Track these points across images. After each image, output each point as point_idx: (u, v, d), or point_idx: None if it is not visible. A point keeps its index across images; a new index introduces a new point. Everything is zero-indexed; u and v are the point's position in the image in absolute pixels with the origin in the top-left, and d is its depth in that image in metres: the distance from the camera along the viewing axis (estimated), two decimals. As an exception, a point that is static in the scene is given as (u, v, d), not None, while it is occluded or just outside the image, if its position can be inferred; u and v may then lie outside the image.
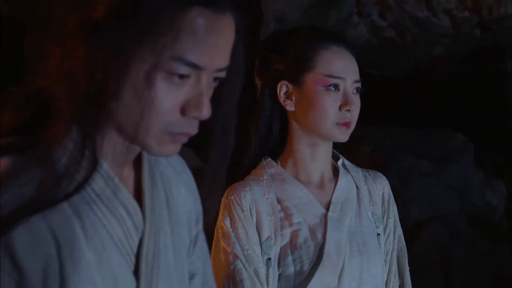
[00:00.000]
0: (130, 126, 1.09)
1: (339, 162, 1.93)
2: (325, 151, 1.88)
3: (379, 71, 5.03)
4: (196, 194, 1.34)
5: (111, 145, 1.13)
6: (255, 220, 1.80)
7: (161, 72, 1.06)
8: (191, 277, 1.32)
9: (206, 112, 1.09)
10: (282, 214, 1.82)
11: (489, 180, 5.15)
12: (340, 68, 1.81)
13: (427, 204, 4.72)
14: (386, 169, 4.61)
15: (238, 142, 1.45)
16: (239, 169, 1.89)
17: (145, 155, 1.20)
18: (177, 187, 1.29)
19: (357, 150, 4.38)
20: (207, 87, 1.10)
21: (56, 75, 1.09)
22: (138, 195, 1.18)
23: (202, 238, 1.35)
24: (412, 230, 4.35)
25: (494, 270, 4.72)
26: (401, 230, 1.95)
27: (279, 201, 1.83)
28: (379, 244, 1.89)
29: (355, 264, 1.81)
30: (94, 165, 1.09)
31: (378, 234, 1.89)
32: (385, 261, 1.90)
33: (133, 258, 1.15)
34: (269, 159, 1.88)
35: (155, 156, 1.22)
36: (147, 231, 1.17)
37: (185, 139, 1.12)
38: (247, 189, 1.81)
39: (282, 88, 1.84)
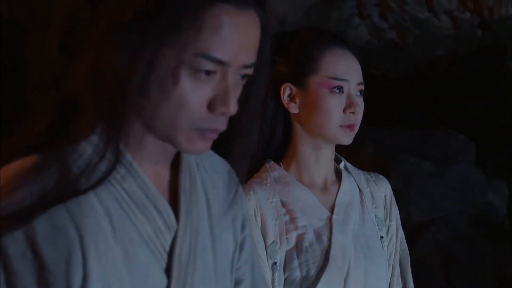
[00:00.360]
0: (159, 123, 1.11)
1: (341, 165, 1.93)
2: (328, 153, 1.87)
3: (380, 72, 5.02)
4: (242, 201, 1.36)
5: (143, 144, 1.15)
6: (259, 224, 1.79)
7: (187, 69, 1.08)
8: (238, 282, 1.33)
9: (232, 108, 1.11)
10: (287, 217, 1.81)
11: (490, 180, 5.15)
12: (344, 70, 1.80)
13: (429, 205, 4.72)
14: (388, 170, 4.61)
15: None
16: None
17: (183, 159, 1.22)
18: (222, 193, 1.30)
19: (358, 152, 4.37)
20: (233, 83, 1.12)
21: (84, 75, 1.12)
22: (175, 197, 1.20)
23: (249, 243, 1.35)
24: (414, 231, 4.35)
25: (496, 271, 4.72)
26: (403, 233, 1.95)
27: (283, 204, 1.82)
28: (383, 246, 1.88)
29: (360, 267, 1.81)
30: (117, 158, 1.11)
31: (381, 237, 1.89)
32: (388, 264, 1.90)
33: (165, 257, 1.16)
34: (272, 162, 1.87)
35: (201, 164, 1.27)
36: (181, 231, 1.18)
37: (214, 136, 1.14)
38: (251, 193, 1.80)
39: (286, 91, 1.83)
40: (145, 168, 1.17)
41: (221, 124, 1.13)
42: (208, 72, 1.09)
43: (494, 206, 5.09)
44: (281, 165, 1.87)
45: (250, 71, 1.13)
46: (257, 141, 1.40)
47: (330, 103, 1.79)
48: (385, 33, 5.14)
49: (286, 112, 1.85)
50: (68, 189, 1.08)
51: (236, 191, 1.33)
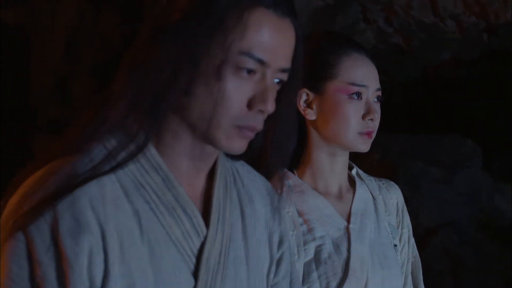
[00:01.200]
0: (201, 121, 1.17)
1: (354, 172, 1.91)
2: (343, 161, 1.84)
3: (386, 77, 5.01)
4: (280, 217, 1.40)
5: (176, 147, 1.21)
6: None
7: (230, 67, 1.15)
8: None
9: (270, 106, 1.18)
10: (304, 227, 1.76)
11: (498, 185, 5.13)
12: (362, 76, 1.77)
13: (437, 211, 4.71)
14: (395, 175, 4.60)
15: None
16: None
17: (218, 171, 1.28)
18: (258, 208, 1.34)
19: (365, 157, 4.34)
20: (271, 86, 1.19)
21: (125, 69, 1.19)
22: (208, 205, 1.25)
23: (288, 259, 1.39)
24: (421, 236, 4.34)
25: (504, 275, 4.71)
26: (414, 240, 1.93)
27: (299, 214, 1.77)
28: (397, 255, 1.86)
29: (377, 278, 1.78)
30: (140, 149, 1.18)
31: (395, 245, 1.86)
32: (400, 272, 1.87)
33: (193, 259, 1.21)
34: (286, 169, 1.83)
35: (238, 178, 1.32)
36: (210, 237, 1.22)
37: (251, 135, 1.20)
38: None
39: (302, 96, 1.80)
40: (178, 175, 1.22)
41: (259, 122, 1.19)
42: (249, 71, 1.17)
43: (501, 210, 5.07)
44: (295, 173, 1.84)
45: (285, 76, 1.21)
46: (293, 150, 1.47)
47: (349, 110, 1.76)
48: (390, 38, 5.14)
49: (301, 118, 1.81)
50: (88, 173, 1.14)
51: (275, 209, 1.38)
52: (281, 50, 1.19)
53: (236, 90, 1.16)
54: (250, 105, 1.17)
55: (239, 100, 1.17)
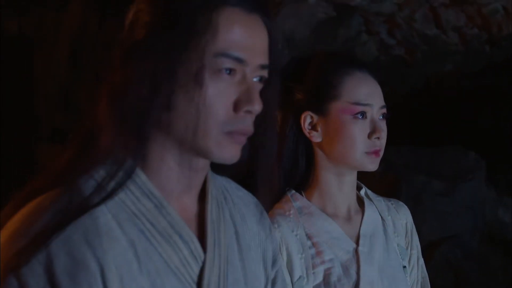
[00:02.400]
0: (188, 133, 1.14)
1: (362, 192, 1.88)
2: (351, 180, 1.82)
3: (389, 88, 4.98)
4: (273, 235, 1.38)
5: (163, 168, 1.18)
6: (285, 259, 1.71)
7: (209, 71, 1.13)
8: None
9: (257, 105, 1.16)
10: (312, 250, 1.73)
11: (501, 198, 5.11)
12: (366, 95, 1.74)
13: (439, 224, 4.70)
14: (397, 189, 4.59)
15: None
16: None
17: (209, 191, 1.25)
18: (250, 226, 1.32)
19: (368, 171, 4.32)
20: (253, 84, 1.17)
21: (104, 97, 1.16)
22: (202, 228, 1.22)
23: (282, 278, 1.37)
24: (424, 250, 4.28)
25: (510, 287, 4.67)
26: (423, 260, 1.91)
27: (308, 236, 1.74)
28: (406, 276, 1.83)
29: None
30: (128, 175, 1.14)
31: (404, 267, 1.84)
32: None
33: (194, 287, 1.18)
34: (294, 191, 1.80)
35: (228, 197, 1.29)
36: (209, 262, 1.19)
37: (243, 140, 1.17)
38: (275, 225, 1.71)
39: (306, 119, 1.77)
40: (170, 199, 1.18)
41: (248, 124, 1.16)
42: (229, 72, 1.14)
43: (505, 223, 5.05)
44: (303, 194, 1.81)
45: (265, 73, 1.19)
46: (276, 155, 1.42)
47: (354, 130, 1.73)
48: (393, 50, 5.13)
49: (307, 140, 1.79)
50: (80, 207, 1.10)
51: (265, 224, 1.35)
52: (256, 46, 1.17)
53: (219, 94, 1.14)
54: (236, 107, 1.15)
55: (223, 104, 1.14)
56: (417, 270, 1.88)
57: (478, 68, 5.35)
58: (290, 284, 1.69)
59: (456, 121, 5.51)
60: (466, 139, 5.32)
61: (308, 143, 1.80)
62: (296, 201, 1.79)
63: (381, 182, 4.50)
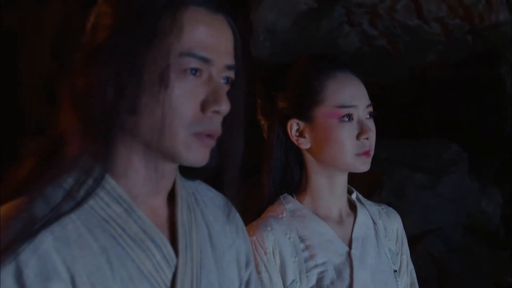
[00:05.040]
0: (155, 137, 1.12)
1: (353, 196, 1.87)
2: (343, 183, 1.81)
3: (371, 79, 4.95)
4: (245, 236, 1.37)
5: (130, 172, 1.16)
6: (278, 262, 1.69)
7: (174, 72, 1.12)
8: None
9: (225, 105, 1.14)
10: (306, 253, 1.72)
11: (484, 188, 5.09)
12: (350, 96, 1.72)
13: (422, 217, 4.68)
14: (381, 182, 4.56)
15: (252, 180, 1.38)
16: (254, 206, 1.81)
17: (178, 194, 1.23)
18: (223, 227, 1.31)
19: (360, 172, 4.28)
20: (220, 84, 1.16)
21: (68, 104, 1.15)
22: (173, 232, 1.21)
23: (255, 280, 1.36)
24: (408, 243, 4.27)
25: (492, 279, 4.69)
26: (412, 265, 1.92)
27: (301, 239, 1.72)
28: (396, 281, 1.83)
29: None
30: (98, 182, 1.13)
31: (395, 271, 1.84)
32: None
33: None
34: (286, 194, 1.80)
35: (200, 198, 1.28)
36: (181, 266, 1.18)
37: (211, 142, 1.16)
38: (269, 228, 1.70)
39: (293, 127, 1.76)
40: (140, 203, 1.17)
41: (216, 125, 1.15)
42: (194, 72, 1.13)
43: (488, 214, 5.05)
44: (294, 197, 1.80)
45: (232, 74, 1.18)
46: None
47: (342, 134, 1.71)
48: (375, 41, 5.10)
49: (296, 147, 1.78)
50: (48, 215, 1.08)
51: (237, 224, 1.34)
52: (221, 46, 1.16)
53: (185, 95, 1.12)
54: (203, 108, 1.14)
55: (190, 104, 1.13)
56: (406, 275, 1.89)
57: (461, 58, 5.33)
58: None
59: (438, 112, 5.48)
60: (449, 129, 5.30)
61: (297, 149, 1.78)
62: (288, 203, 1.77)
63: (364, 175, 4.46)
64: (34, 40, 6.06)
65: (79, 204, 1.11)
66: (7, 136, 5.77)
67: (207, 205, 1.31)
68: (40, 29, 6.00)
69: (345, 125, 1.71)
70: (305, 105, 1.74)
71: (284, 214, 1.75)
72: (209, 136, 1.15)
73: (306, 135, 1.75)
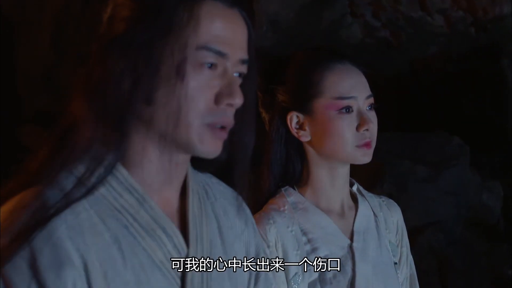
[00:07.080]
0: (170, 127, 1.14)
1: (354, 188, 1.87)
2: (344, 174, 1.80)
3: (374, 71, 4.94)
4: (255, 229, 1.39)
5: (145, 162, 1.18)
6: (281, 255, 1.70)
7: (190, 64, 1.13)
8: None
9: (238, 99, 1.16)
10: (308, 247, 1.72)
11: (485, 182, 5.10)
12: (349, 88, 1.71)
13: (423, 210, 4.69)
14: (382, 175, 4.56)
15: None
16: (256, 198, 1.80)
17: (190, 186, 1.25)
18: (232, 220, 1.33)
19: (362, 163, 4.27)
20: (234, 78, 1.18)
21: (82, 93, 1.16)
22: (184, 223, 1.22)
23: (265, 274, 1.37)
24: (408, 236, 4.27)
25: (492, 272, 4.71)
26: (411, 257, 1.93)
27: (303, 232, 1.73)
28: (397, 273, 1.84)
29: None
30: (108, 170, 1.15)
31: (395, 263, 1.84)
32: None
33: (178, 281, 1.19)
34: (287, 186, 1.79)
35: (210, 192, 1.30)
36: (192, 256, 1.20)
37: (224, 134, 1.17)
38: (271, 221, 1.71)
39: (293, 119, 1.76)
40: (150, 192, 1.19)
41: (229, 118, 1.17)
42: (210, 65, 1.15)
43: (488, 207, 5.05)
44: (296, 189, 1.80)
45: (245, 68, 1.20)
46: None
47: (342, 125, 1.70)
48: (378, 32, 5.10)
49: (296, 139, 1.78)
50: (61, 202, 1.10)
51: (247, 217, 1.36)
52: (237, 40, 1.18)
53: (200, 87, 1.14)
54: (217, 100, 1.16)
55: (205, 96, 1.15)
56: (406, 267, 1.89)
57: (463, 51, 5.33)
58: (284, 282, 1.68)
59: (440, 105, 5.48)
60: (451, 121, 5.29)
61: (298, 142, 1.78)
62: (290, 196, 1.77)
63: (365, 168, 4.46)
64: (33, 28, 6.04)
65: (89, 191, 1.13)
66: (5, 125, 5.76)
67: (217, 199, 1.32)
68: (40, 17, 5.98)
69: (344, 117, 1.70)
70: (304, 97, 1.74)
71: (286, 207, 1.75)
72: (222, 128, 1.17)
73: (306, 127, 1.75)
